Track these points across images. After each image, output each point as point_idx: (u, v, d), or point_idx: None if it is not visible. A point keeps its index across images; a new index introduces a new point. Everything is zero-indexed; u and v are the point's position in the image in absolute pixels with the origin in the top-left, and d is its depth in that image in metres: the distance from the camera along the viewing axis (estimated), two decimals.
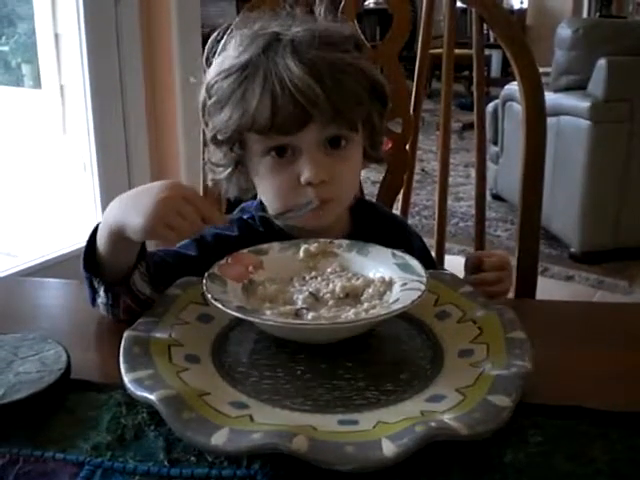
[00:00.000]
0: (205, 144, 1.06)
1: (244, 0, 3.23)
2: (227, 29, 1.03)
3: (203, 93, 1.00)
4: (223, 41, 1.02)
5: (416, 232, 1.21)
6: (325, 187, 0.95)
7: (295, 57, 0.91)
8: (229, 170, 1.02)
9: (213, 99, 0.97)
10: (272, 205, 1.01)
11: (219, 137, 0.98)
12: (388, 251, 0.92)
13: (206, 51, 1.05)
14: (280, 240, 0.97)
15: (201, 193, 1.31)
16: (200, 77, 1.02)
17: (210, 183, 1.08)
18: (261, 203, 1.08)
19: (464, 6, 1.31)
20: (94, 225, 0.90)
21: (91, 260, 0.90)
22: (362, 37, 1.10)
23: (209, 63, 1.02)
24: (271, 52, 0.93)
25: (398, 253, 0.91)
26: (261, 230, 1.06)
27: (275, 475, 0.63)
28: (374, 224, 1.09)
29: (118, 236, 0.85)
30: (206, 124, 1.01)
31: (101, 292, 0.90)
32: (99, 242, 0.89)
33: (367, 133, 1.01)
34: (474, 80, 1.37)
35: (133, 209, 0.84)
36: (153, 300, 0.90)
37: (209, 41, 1.06)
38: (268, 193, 1.01)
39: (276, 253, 0.94)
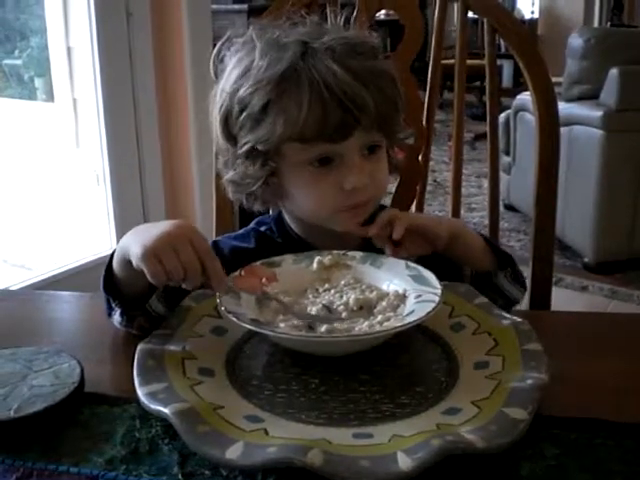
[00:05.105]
0: (217, 155, 1.04)
1: (255, 12, 3.24)
2: (230, 37, 0.99)
3: (227, 106, 0.95)
4: (232, 49, 0.98)
5: None
6: (365, 190, 0.95)
7: (338, 64, 0.90)
8: (259, 183, 0.98)
9: (247, 112, 0.93)
10: (312, 214, 1.00)
11: (260, 148, 0.93)
12: (402, 263, 0.92)
13: (212, 60, 1.00)
14: (299, 251, 0.97)
15: (214, 203, 1.30)
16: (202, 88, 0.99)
17: (232, 196, 1.04)
18: (279, 215, 1.07)
19: (475, 16, 1.31)
20: (114, 248, 0.90)
21: (110, 280, 0.91)
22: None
23: (217, 72, 0.99)
24: (309, 60, 0.91)
25: (412, 265, 0.91)
26: (279, 241, 1.05)
27: None
28: None
29: (125, 262, 0.86)
30: (233, 138, 0.96)
31: (117, 314, 0.91)
32: (114, 265, 0.90)
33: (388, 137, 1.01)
34: (487, 90, 1.37)
35: (138, 237, 0.84)
36: (166, 317, 0.90)
37: (215, 50, 1.00)
38: (308, 202, 0.98)
39: (289, 265, 0.94)
